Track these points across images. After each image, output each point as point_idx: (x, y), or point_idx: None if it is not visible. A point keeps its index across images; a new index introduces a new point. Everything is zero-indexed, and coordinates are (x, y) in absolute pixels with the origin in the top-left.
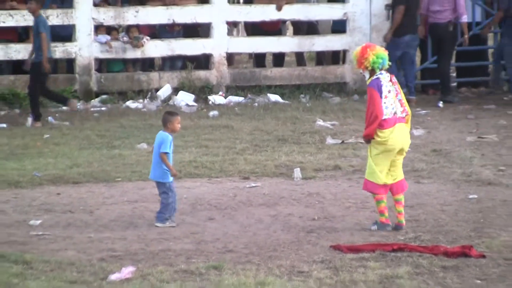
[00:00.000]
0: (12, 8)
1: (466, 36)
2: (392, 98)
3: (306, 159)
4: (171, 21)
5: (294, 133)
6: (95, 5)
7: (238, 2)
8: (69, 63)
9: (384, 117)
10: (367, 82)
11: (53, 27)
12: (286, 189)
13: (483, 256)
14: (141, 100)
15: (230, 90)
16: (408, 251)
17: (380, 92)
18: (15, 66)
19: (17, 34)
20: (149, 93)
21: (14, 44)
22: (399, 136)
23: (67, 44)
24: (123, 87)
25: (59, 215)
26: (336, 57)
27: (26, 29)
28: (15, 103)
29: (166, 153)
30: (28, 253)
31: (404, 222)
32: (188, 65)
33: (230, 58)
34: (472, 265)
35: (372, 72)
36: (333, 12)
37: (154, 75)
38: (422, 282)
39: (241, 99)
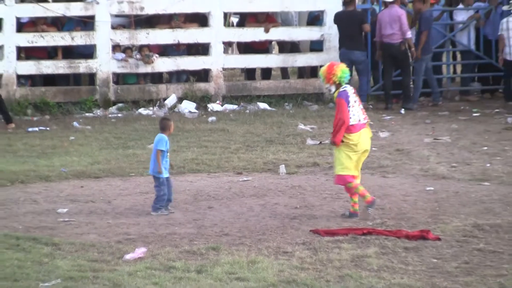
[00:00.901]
0: (43, 31)
1: (412, 49)
2: (356, 107)
3: (290, 157)
4: (176, 41)
5: (279, 135)
6: (113, 28)
7: (233, 26)
8: (90, 77)
9: (352, 123)
10: (334, 95)
11: (77, 46)
12: (273, 182)
13: (439, 239)
14: (151, 108)
15: (226, 99)
16: (375, 234)
17: (348, 101)
18: (45, 79)
19: (47, 52)
20: (158, 102)
21: (44, 60)
22: (364, 139)
23: (89, 60)
24: (136, 96)
25: (83, 204)
26: (314, 71)
27: (54, 48)
28: (45, 111)
29: (162, 150)
30: (56, 236)
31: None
32: (191, 78)
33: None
34: (429, 246)
35: (339, 85)
36: (312, 34)
37: (162, 86)
38: (388, 261)
39: (235, 107)
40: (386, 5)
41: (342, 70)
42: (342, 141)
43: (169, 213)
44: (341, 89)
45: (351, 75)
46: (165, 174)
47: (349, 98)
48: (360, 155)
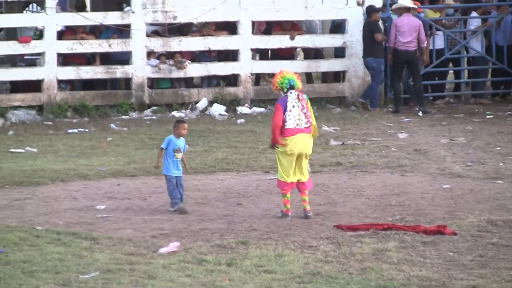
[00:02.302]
0: (82, 38)
1: (424, 57)
2: (296, 112)
3: (314, 157)
4: (207, 48)
5: None
6: (148, 35)
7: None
8: (127, 82)
9: (287, 126)
10: None
11: (114, 53)
12: None
13: (455, 234)
14: (183, 111)
15: (254, 102)
16: (395, 229)
17: (284, 106)
18: (84, 84)
19: (86, 59)
20: (190, 105)
21: (83, 66)
22: (298, 143)
23: (126, 66)
24: (170, 100)
25: (119, 201)
26: (337, 76)
27: (93, 54)
28: (84, 113)
29: (162, 149)
30: (95, 231)
31: (308, 207)
32: (221, 83)
33: (257, 78)
34: (446, 240)
35: (284, 92)
36: (334, 41)
37: (194, 90)
38: (407, 254)
39: (262, 109)
40: (401, 13)
41: (283, 77)
42: (279, 143)
43: (174, 210)
44: (283, 95)
45: None
46: (172, 173)
47: (287, 103)
48: (296, 158)
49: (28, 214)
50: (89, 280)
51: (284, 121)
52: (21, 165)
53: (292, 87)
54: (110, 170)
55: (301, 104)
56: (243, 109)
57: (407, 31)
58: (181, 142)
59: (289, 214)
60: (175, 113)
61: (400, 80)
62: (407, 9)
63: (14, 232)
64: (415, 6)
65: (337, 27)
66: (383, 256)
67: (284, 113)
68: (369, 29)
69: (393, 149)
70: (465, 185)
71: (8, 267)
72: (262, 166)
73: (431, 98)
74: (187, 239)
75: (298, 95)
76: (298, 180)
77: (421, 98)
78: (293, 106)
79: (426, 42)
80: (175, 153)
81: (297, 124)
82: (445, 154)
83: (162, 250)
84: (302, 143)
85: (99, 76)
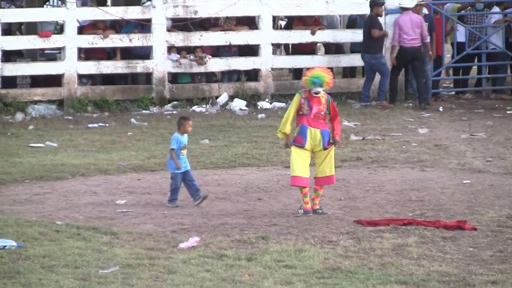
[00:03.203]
0: (103, 36)
1: (429, 52)
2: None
3: (335, 152)
4: (228, 43)
5: None
6: (168, 30)
7: (281, 28)
8: (147, 76)
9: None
10: (321, 95)
11: (135, 48)
12: None
13: (475, 229)
14: (204, 105)
15: (274, 97)
16: (415, 224)
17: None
18: (105, 79)
19: (106, 53)
20: (211, 100)
21: (104, 61)
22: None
23: (146, 61)
24: (190, 95)
25: (140, 196)
26: (353, 72)
27: (113, 49)
28: (104, 108)
29: (173, 149)
30: (115, 226)
31: (311, 205)
32: (242, 77)
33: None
34: (466, 236)
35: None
36: (355, 36)
37: (215, 85)
38: (427, 249)
39: (283, 104)
40: (403, 11)
41: (311, 75)
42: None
43: (176, 206)
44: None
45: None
46: (176, 170)
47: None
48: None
49: (48, 209)
50: (108, 275)
51: None
52: (41, 159)
53: (321, 85)
54: (130, 164)
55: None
56: (263, 104)
57: (411, 28)
58: (185, 139)
59: (311, 210)
60: (196, 108)
61: (398, 75)
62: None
63: (34, 227)
64: (421, 2)
65: (353, 22)
66: (403, 251)
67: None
68: (367, 24)
69: (413, 144)
70: (485, 180)
71: (27, 261)
72: (282, 161)
73: (453, 93)
74: (207, 234)
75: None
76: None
77: (422, 94)
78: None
79: (428, 37)
80: (182, 150)
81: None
82: (465, 149)
83: (182, 245)
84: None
85: (119, 71)
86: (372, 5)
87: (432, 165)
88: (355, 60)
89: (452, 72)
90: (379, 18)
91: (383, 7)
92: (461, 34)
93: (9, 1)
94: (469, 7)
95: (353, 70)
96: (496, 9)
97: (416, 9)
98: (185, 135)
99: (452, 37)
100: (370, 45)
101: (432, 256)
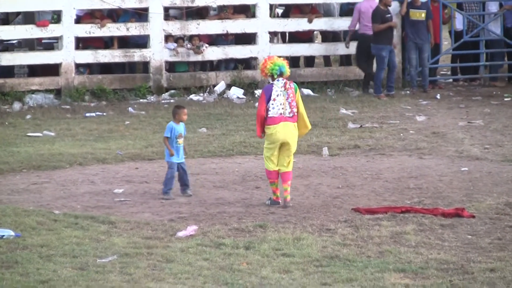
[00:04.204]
0: (100, 25)
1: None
2: (280, 101)
3: (332, 140)
4: (225, 32)
5: (322, 119)
6: (165, 19)
7: (278, 16)
8: (144, 65)
9: (270, 115)
10: None
11: (132, 37)
12: (316, 164)
13: (473, 216)
14: (201, 94)
15: None
16: (413, 212)
17: (268, 95)
18: (102, 68)
19: (104, 42)
20: (208, 88)
21: (101, 50)
22: (281, 132)
23: (143, 50)
24: (187, 83)
25: (137, 185)
26: (349, 59)
27: (111, 38)
28: (102, 97)
29: (167, 137)
30: (113, 215)
31: (288, 198)
32: (239, 66)
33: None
34: (464, 223)
35: (273, 78)
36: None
37: (212, 74)
38: (425, 237)
39: None
40: None
41: (273, 63)
42: (264, 133)
43: (187, 195)
44: (269, 83)
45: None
46: (175, 160)
47: (272, 92)
48: (279, 147)
49: (46, 198)
50: (106, 264)
51: (268, 110)
52: (38, 149)
53: (281, 74)
54: (128, 153)
55: (287, 92)
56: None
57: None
58: (181, 128)
59: (279, 201)
60: (193, 97)
61: (367, 62)
62: None
63: (31, 216)
64: None
65: (348, 12)
66: (401, 239)
67: (267, 102)
68: (371, 17)
69: (411, 132)
70: (483, 168)
71: (25, 251)
72: None
73: (451, 80)
74: (205, 223)
75: (285, 83)
76: (279, 170)
77: (370, 81)
78: (278, 95)
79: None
80: (178, 139)
81: (281, 113)
82: (463, 136)
83: (180, 234)
84: (285, 132)
85: (117, 60)
86: None
87: (430, 153)
88: (352, 48)
89: (450, 60)
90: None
91: None
92: (459, 22)
93: None
94: None
95: (349, 58)
96: None
97: None
98: (181, 124)
99: (450, 25)
100: (375, 35)
101: (430, 243)
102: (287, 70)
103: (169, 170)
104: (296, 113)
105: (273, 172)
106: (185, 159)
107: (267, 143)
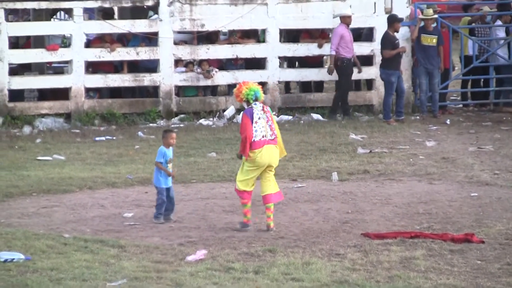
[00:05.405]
0: (110, 50)
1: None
2: (262, 124)
3: (342, 165)
4: (235, 56)
5: (332, 144)
6: (175, 43)
7: (288, 41)
8: (154, 89)
9: (254, 139)
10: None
11: (142, 61)
12: (325, 188)
13: (483, 242)
14: (211, 119)
15: (282, 110)
16: (423, 237)
17: (251, 118)
18: (112, 92)
19: (114, 67)
20: (218, 113)
21: (111, 74)
22: (266, 155)
23: (153, 74)
24: (197, 108)
25: (147, 209)
26: (358, 85)
27: (121, 62)
28: (112, 121)
29: (160, 162)
30: (122, 239)
31: (272, 224)
32: None
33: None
34: (474, 249)
35: (248, 103)
36: (362, 49)
37: (222, 98)
38: (434, 262)
39: (290, 117)
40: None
41: (249, 88)
42: (249, 156)
43: (162, 222)
44: (248, 107)
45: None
46: (164, 185)
47: (253, 115)
48: (262, 169)
49: (56, 222)
50: (116, 287)
51: None
52: (48, 172)
53: (256, 99)
54: (138, 177)
55: (266, 116)
56: None
57: (350, 41)
58: (171, 152)
59: (249, 224)
60: (203, 121)
61: (350, 88)
62: (344, 18)
63: (41, 240)
64: (433, 16)
65: (356, 37)
66: (410, 264)
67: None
68: (381, 42)
69: (420, 157)
70: (493, 193)
71: (35, 274)
72: (289, 174)
73: (461, 105)
74: (214, 247)
75: (263, 106)
76: (264, 193)
77: (336, 106)
78: (259, 118)
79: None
80: (168, 164)
81: (263, 136)
82: (473, 162)
83: (189, 258)
84: (269, 155)
85: (126, 84)
86: (392, 20)
87: (440, 178)
88: (363, 73)
89: (461, 85)
90: (395, 34)
91: (400, 23)
92: (469, 47)
93: (16, 15)
94: (478, 20)
95: (358, 83)
96: (499, 22)
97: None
98: (170, 148)
99: (460, 51)
100: (384, 61)
101: (439, 269)
102: (261, 95)
103: (159, 196)
104: (276, 136)
105: (246, 193)
106: (195, 183)
107: (249, 166)
